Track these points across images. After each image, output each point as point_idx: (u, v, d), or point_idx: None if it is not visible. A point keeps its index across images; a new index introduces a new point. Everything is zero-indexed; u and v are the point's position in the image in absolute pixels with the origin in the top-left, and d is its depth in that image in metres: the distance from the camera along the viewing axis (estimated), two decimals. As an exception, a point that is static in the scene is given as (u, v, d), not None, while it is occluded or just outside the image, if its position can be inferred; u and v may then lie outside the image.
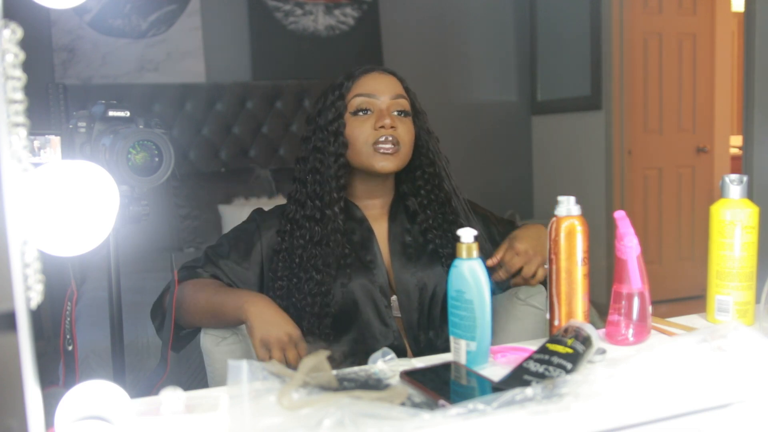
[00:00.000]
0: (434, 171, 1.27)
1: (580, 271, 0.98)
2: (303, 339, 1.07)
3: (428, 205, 1.27)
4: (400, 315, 1.23)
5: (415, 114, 1.25)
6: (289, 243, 1.21)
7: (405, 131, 1.21)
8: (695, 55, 3.89)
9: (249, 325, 1.07)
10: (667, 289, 3.63)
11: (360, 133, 1.19)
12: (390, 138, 1.18)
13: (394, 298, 1.24)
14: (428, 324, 1.24)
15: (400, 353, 1.21)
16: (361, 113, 1.20)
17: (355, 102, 1.20)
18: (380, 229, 1.27)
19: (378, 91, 1.20)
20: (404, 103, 1.22)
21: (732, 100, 4.13)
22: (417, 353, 1.22)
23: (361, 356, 1.20)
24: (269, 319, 1.06)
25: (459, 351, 0.93)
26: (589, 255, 0.99)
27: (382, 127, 1.18)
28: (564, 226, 0.98)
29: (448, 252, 1.25)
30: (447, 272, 1.24)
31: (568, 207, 0.98)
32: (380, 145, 1.18)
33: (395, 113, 1.21)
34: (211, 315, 1.15)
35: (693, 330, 1.02)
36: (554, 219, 0.99)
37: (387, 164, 1.19)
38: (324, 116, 1.21)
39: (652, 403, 0.76)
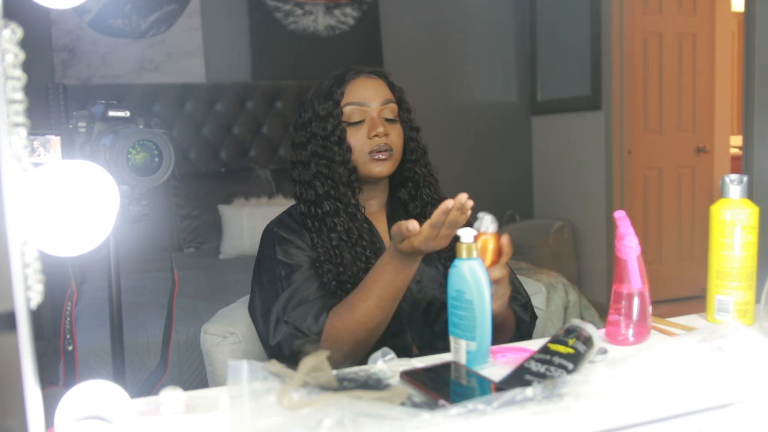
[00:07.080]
0: (423, 162, 1.31)
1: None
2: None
3: (417, 195, 1.30)
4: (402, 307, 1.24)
5: (401, 111, 1.29)
6: (319, 240, 1.23)
7: (396, 136, 1.26)
8: (695, 55, 3.89)
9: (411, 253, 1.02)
10: (667, 289, 3.63)
11: (355, 141, 1.23)
12: (383, 146, 1.23)
13: None
14: (430, 313, 1.25)
15: (404, 343, 1.23)
16: (353, 122, 1.24)
17: (346, 111, 1.24)
18: (381, 226, 1.30)
19: (368, 98, 1.24)
20: (393, 108, 1.27)
21: (732, 100, 4.13)
22: (420, 344, 1.25)
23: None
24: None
25: (459, 351, 0.93)
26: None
27: (376, 135, 1.22)
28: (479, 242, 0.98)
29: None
30: (438, 259, 1.26)
31: (485, 224, 1.00)
32: (375, 153, 1.23)
33: (385, 119, 1.25)
34: (378, 303, 1.09)
35: (693, 330, 1.02)
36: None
37: (383, 169, 1.24)
38: (321, 125, 1.23)
39: (653, 403, 0.76)
